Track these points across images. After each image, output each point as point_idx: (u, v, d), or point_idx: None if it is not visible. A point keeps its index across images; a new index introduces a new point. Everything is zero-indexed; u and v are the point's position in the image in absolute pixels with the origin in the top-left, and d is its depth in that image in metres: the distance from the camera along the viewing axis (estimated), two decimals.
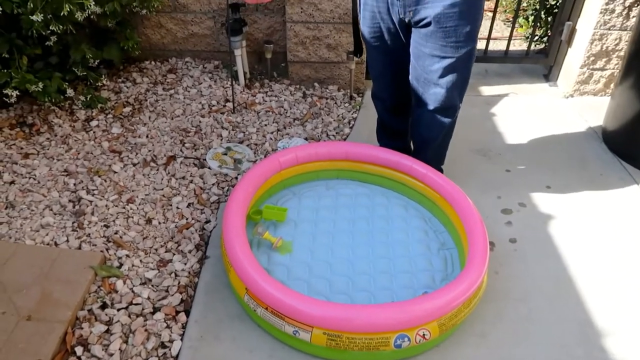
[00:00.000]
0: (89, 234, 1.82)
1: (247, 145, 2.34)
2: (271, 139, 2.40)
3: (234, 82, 2.59)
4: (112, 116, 2.44)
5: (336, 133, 2.48)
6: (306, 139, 2.42)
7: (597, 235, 1.97)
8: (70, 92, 2.33)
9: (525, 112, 2.72)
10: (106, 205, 1.95)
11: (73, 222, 1.86)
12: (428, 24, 1.65)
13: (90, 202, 1.95)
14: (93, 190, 2.01)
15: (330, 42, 2.68)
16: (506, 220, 2.02)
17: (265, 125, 2.49)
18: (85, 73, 2.41)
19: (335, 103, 2.70)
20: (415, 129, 2.02)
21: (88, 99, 2.44)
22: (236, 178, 2.15)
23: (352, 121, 2.57)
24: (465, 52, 1.70)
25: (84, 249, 1.76)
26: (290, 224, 1.87)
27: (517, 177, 2.26)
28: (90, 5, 2.09)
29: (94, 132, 2.33)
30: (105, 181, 2.06)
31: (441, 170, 2.10)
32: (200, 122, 2.45)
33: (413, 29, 1.72)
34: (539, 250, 1.89)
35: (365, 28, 1.83)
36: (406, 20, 1.70)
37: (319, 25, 2.64)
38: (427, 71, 1.76)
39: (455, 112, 1.91)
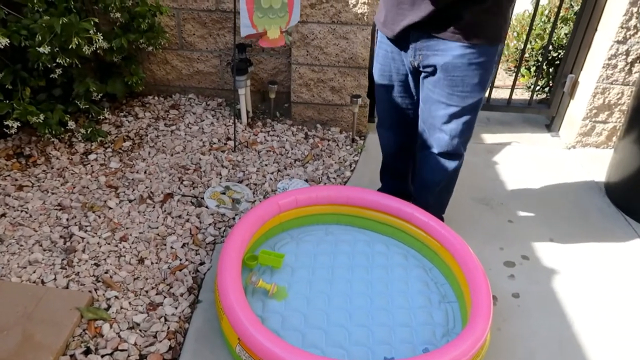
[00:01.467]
0: (78, 273, 1.76)
1: (247, 185, 2.30)
2: (271, 179, 2.37)
3: (236, 120, 2.58)
4: (112, 150, 2.42)
5: (337, 176, 2.45)
6: (307, 180, 2.38)
7: (600, 290, 1.92)
8: (71, 124, 2.32)
9: (527, 162, 2.70)
10: (98, 243, 1.89)
11: (62, 260, 1.80)
12: (436, 71, 1.65)
13: (82, 238, 1.90)
14: (86, 226, 1.96)
15: (335, 84, 2.69)
16: (509, 274, 1.96)
17: (266, 165, 2.46)
18: (87, 106, 2.40)
19: (337, 145, 2.69)
20: (418, 172, 2.00)
21: (88, 132, 2.42)
22: (234, 218, 2.10)
23: (353, 164, 2.55)
24: (472, 102, 1.69)
25: (72, 288, 1.70)
26: (286, 269, 1.81)
27: (520, 228, 2.21)
28: (99, 40, 2.10)
29: (91, 166, 2.29)
30: (99, 217, 2.01)
31: (442, 219, 2.06)
32: (200, 159, 2.42)
33: (423, 71, 1.73)
34: (542, 306, 1.83)
35: (377, 65, 1.86)
36: (415, 64, 1.70)
37: (324, 68, 2.65)
38: (433, 116, 1.77)
39: (458, 158, 1.89)
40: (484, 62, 1.63)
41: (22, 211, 2.00)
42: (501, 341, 1.66)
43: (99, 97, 2.46)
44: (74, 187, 2.15)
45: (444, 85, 1.67)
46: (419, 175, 2.02)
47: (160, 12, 2.50)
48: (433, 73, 1.67)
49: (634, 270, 2.03)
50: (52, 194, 2.11)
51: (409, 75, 1.80)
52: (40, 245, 1.85)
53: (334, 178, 2.44)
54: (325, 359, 1.33)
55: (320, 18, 2.52)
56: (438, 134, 1.79)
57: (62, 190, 2.13)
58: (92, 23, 2.08)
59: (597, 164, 2.69)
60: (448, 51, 1.59)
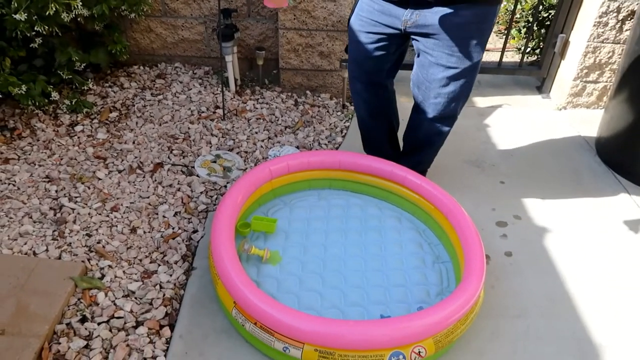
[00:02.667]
0: (70, 243, 1.74)
1: (237, 153, 2.28)
2: (262, 146, 2.34)
3: (224, 88, 2.54)
4: (98, 121, 2.37)
5: (328, 142, 2.43)
6: (297, 147, 2.36)
7: (592, 248, 1.94)
8: (55, 95, 2.26)
9: (518, 124, 2.70)
10: (89, 214, 1.87)
11: (53, 231, 1.78)
12: (433, 32, 1.61)
13: (73, 209, 1.88)
14: (76, 197, 1.93)
15: (323, 49, 2.64)
16: (501, 233, 1.98)
17: (256, 132, 2.43)
18: (71, 76, 2.35)
19: (328, 112, 2.66)
20: (411, 133, 2.00)
21: (73, 103, 2.37)
22: (225, 186, 2.09)
23: (344, 130, 2.53)
24: (472, 64, 1.67)
25: (64, 259, 1.68)
26: (280, 234, 1.81)
27: (512, 189, 2.22)
28: (78, 6, 2.03)
29: (78, 138, 2.25)
30: (89, 188, 1.98)
31: (425, 172, 2.10)
32: (189, 128, 2.39)
33: (418, 37, 1.68)
34: (534, 264, 1.85)
35: (357, 15, 1.75)
36: (410, 23, 1.63)
37: (312, 32, 2.60)
38: (430, 80, 1.73)
39: (454, 120, 1.90)
40: (484, 22, 1.61)
41: (9, 184, 1.96)
42: (494, 298, 1.68)
43: (82, 67, 2.39)
44: (62, 159, 2.12)
45: (443, 46, 1.63)
46: (411, 138, 2.02)
47: None
48: (429, 34, 1.63)
49: (622, 226, 2.06)
50: (40, 166, 2.07)
51: (393, 35, 1.71)
52: (30, 217, 1.82)
53: (325, 144, 2.42)
54: (321, 319, 1.34)
55: None
56: (435, 99, 1.77)
57: (50, 162, 2.09)
58: None
59: (588, 124, 2.69)
60: (448, 10, 1.55)
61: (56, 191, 1.95)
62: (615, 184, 2.30)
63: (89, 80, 2.48)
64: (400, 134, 2.11)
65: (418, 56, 1.76)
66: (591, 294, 1.75)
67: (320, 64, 2.69)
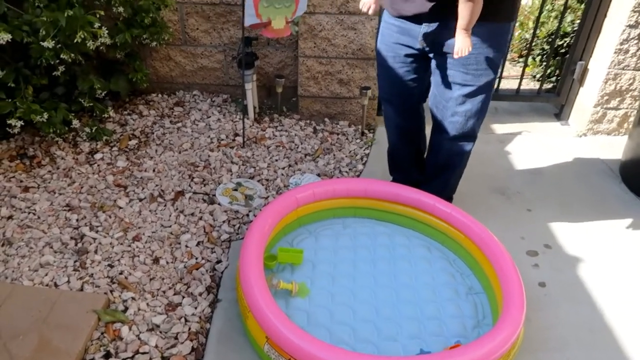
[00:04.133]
0: (92, 274, 1.69)
1: (258, 181, 2.25)
2: (283, 174, 2.31)
3: (244, 116, 2.52)
4: (118, 149, 2.35)
5: (349, 169, 2.40)
6: (319, 175, 2.33)
7: (626, 277, 1.88)
8: (75, 123, 2.24)
9: (539, 151, 2.67)
10: (110, 243, 1.83)
11: (75, 261, 1.74)
12: (448, 51, 1.61)
13: (94, 239, 1.83)
14: (97, 226, 1.89)
15: (343, 77, 2.64)
16: (533, 263, 1.92)
17: (276, 160, 2.40)
18: (91, 104, 2.33)
19: (347, 139, 2.64)
20: (433, 155, 1.98)
21: (93, 130, 2.35)
22: (248, 215, 2.05)
23: (364, 157, 2.50)
24: (487, 81, 1.68)
25: (87, 290, 1.63)
26: (307, 265, 1.76)
27: (539, 216, 2.18)
28: (104, 34, 2.03)
29: (98, 166, 2.23)
30: (110, 217, 1.95)
31: (451, 199, 2.06)
32: (209, 156, 2.36)
33: (434, 55, 1.69)
34: (570, 295, 1.79)
35: (381, 39, 1.81)
36: (427, 42, 1.66)
37: (332, 60, 2.60)
38: (446, 98, 1.75)
39: (473, 140, 1.89)
40: (497, 39, 1.62)
41: (29, 213, 1.93)
42: (532, 331, 1.62)
43: (103, 95, 2.39)
44: (82, 187, 2.09)
45: (457, 65, 1.64)
46: (433, 160, 2.00)
47: (165, 4, 2.43)
48: (445, 52, 1.64)
49: None
50: (60, 194, 2.04)
51: (415, 56, 1.74)
52: (51, 247, 1.78)
53: (346, 172, 2.39)
54: (360, 355, 1.28)
55: (328, 9, 2.46)
56: (452, 117, 1.78)
57: (70, 191, 2.06)
58: (98, 16, 2.02)
59: (610, 151, 2.66)
60: None
61: (77, 220, 1.91)
62: None
63: (109, 107, 2.47)
64: None
65: (434, 75, 1.76)
66: (630, 324, 1.68)
67: (339, 92, 2.68)
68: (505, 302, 1.47)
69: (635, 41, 2.50)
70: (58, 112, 2.18)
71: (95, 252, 1.79)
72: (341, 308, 1.60)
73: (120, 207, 2.00)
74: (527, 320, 1.66)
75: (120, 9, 2.28)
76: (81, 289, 1.64)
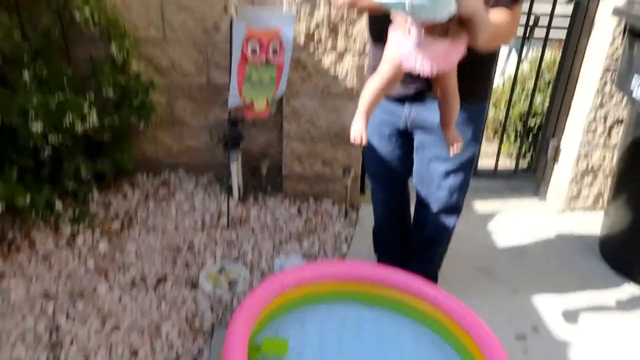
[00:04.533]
0: None
1: (243, 264, 2.22)
2: (267, 256, 2.29)
3: (229, 196, 2.54)
4: (100, 232, 2.32)
5: (334, 250, 2.40)
6: (303, 256, 2.32)
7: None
8: (59, 206, 2.23)
9: (520, 229, 2.71)
10: (87, 335, 1.76)
11: (48, 355, 1.66)
12: (429, 129, 1.70)
13: (70, 330, 1.76)
14: (74, 316, 1.83)
15: (326, 157, 2.70)
16: (522, 348, 1.90)
17: (261, 241, 2.39)
18: (76, 187, 2.33)
19: (331, 219, 2.65)
20: (418, 231, 2.01)
21: (76, 213, 2.33)
22: (232, 302, 2.00)
23: (348, 238, 2.51)
24: (468, 156, 1.76)
25: None
26: (292, 353, 1.70)
27: (525, 297, 2.17)
28: (93, 117, 2.07)
29: (79, 250, 2.19)
30: (89, 305, 1.89)
31: (437, 275, 2.09)
32: (193, 238, 2.34)
33: (418, 133, 1.77)
34: None
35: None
36: (410, 121, 1.74)
37: (315, 141, 2.67)
38: (430, 174, 1.81)
39: (458, 213, 1.93)
40: (475, 117, 1.72)
41: (3, 301, 1.86)
42: None
43: (88, 176, 2.39)
44: (61, 273, 2.03)
45: (441, 142, 1.70)
46: (419, 235, 2.03)
47: (154, 87, 2.50)
48: (427, 131, 1.72)
49: None
50: (37, 281, 1.98)
51: (400, 134, 1.82)
52: (24, 340, 1.70)
53: (331, 253, 2.38)
54: None
55: (311, 92, 2.57)
56: (437, 192, 1.84)
57: (48, 277, 2.01)
58: (87, 99, 2.06)
59: (588, 227, 2.72)
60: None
61: (53, 308, 1.85)
62: (626, 288, 2.28)
63: (93, 189, 2.47)
64: None
65: (417, 152, 1.83)
66: None
67: (323, 172, 2.73)
68: None
69: (602, 121, 2.64)
70: (42, 195, 2.17)
71: (71, 343, 1.71)
72: None
73: (100, 294, 1.95)
74: None
75: (110, 91, 2.34)
76: None
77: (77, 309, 1.86)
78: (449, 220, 1.92)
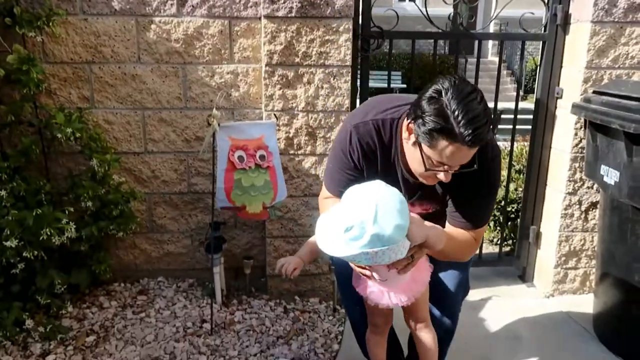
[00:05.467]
0: None
1: None
2: None
3: (212, 300, 2.44)
4: (73, 348, 2.16)
5: (324, 350, 2.28)
6: (293, 359, 2.19)
7: None
8: (29, 323, 2.09)
9: (512, 315, 2.65)
10: None
11: None
12: None
13: None
14: None
15: None
16: None
17: (247, 346, 2.26)
18: (48, 301, 2.21)
19: (319, 317, 2.55)
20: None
21: (47, 329, 2.18)
22: None
23: (339, 335, 2.40)
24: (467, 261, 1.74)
25: None
26: None
27: None
28: (71, 230, 2.02)
29: None
30: None
31: None
32: (174, 348, 2.20)
33: None
34: None
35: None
36: None
37: (299, 239, 2.65)
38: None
39: (457, 317, 1.89)
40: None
41: None
42: None
43: (62, 289, 2.28)
44: None
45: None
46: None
47: (134, 197, 2.50)
48: None
49: None
50: None
51: None
52: None
53: (321, 353, 2.26)
54: None
55: (293, 192, 2.60)
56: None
57: None
58: (67, 212, 2.03)
59: (580, 310, 2.68)
60: None
61: None
62: None
63: (67, 302, 2.34)
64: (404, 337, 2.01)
65: None
66: None
67: (308, 269, 2.68)
68: None
69: (577, 206, 2.72)
70: (10, 313, 2.05)
71: None
72: None
73: None
74: None
75: (89, 204, 2.32)
76: None
77: None
78: (448, 326, 1.88)
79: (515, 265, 3.11)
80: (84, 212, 2.41)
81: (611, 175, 2.20)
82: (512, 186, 3.49)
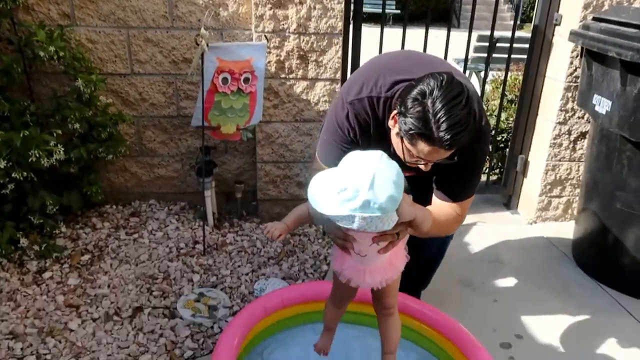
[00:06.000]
0: None
1: (222, 290, 2.16)
2: (247, 280, 2.24)
3: (203, 223, 2.48)
4: (69, 266, 2.22)
5: (314, 271, 2.37)
6: (284, 278, 2.28)
7: None
8: (23, 241, 2.13)
9: (496, 240, 2.75)
10: None
11: None
12: None
13: None
14: (45, 354, 1.72)
15: (301, 179, 2.69)
16: (508, 356, 1.89)
17: (239, 266, 2.34)
18: (41, 221, 2.23)
19: (309, 239, 2.62)
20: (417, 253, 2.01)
21: (42, 248, 2.22)
22: (212, 328, 1.93)
23: (327, 257, 2.48)
24: None
25: None
26: None
27: (506, 307, 2.19)
28: (59, 152, 2.00)
29: (47, 285, 2.08)
30: (60, 342, 1.78)
31: (420, 295, 2.08)
32: (168, 267, 2.27)
33: None
34: None
35: None
36: None
37: (290, 164, 2.67)
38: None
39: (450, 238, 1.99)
40: None
41: None
42: None
43: (54, 210, 2.30)
44: (28, 311, 1.92)
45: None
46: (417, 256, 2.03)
47: (123, 120, 2.46)
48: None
49: (621, 339, 2.03)
50: (2, 321, 1.86)
51: None
52: None
53: (311, 273, 2.35)
54: None
55: (284, 117, 2.58)
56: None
57: (14, 316, 1.89)
58: (54, 135, 2.00)
59: (561, 237, 2.78)
60: None
61: (22, 349, 1.74)
62: (602, 293, 2.32)
63: (60, 223, 2.37)
64: None
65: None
66: None
67: (298, 194, 2.72)
68: None
69: (566, 136, 2.74)
70: (4, 232, 2.07)
71: None
72: None
73: (72, 330, 1.85)
74: None
75: (77, 126, 2.28)
76: None
77: (47, 347, 1.75)
78: (445, 244, 1.97)
79: (501, 193, 3.18)
80: (71, 135, 2.38)
81: (603, 105, 2.20)
82: (503, 115, 3.48)
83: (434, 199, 1.63)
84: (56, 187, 2.45)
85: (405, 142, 1.36)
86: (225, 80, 2.22)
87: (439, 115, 1.24)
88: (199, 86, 2.33)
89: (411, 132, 1.30)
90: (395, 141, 1.43)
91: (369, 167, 1.16)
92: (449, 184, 1.59)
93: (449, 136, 1.25)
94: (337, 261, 1.40)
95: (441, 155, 1.35)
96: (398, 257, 1.39)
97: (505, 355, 1.90)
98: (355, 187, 1.13)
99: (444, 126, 1.24)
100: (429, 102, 1.26)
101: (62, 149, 2.04)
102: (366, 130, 1.56)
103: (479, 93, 2.98)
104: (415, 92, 1.29)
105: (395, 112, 1.38)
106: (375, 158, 1.18)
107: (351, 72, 2.71)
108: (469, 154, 1.47)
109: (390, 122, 1.43)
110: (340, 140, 1.58)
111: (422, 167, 1.41)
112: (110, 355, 1.75)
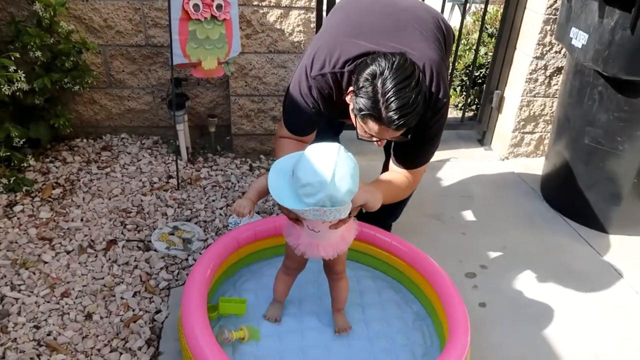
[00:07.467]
0: (15, 339, 1.54)
1: (196, 223, 2.18)
2: (221, 214, 2.26)
3: (177, 157, 2.46)
4: (40, 199, 2.19)
5: None
6: (258, 212, 2.30)
7: (559, 293, 1.99)
8: None
9: (467, 175, 2.80)
10: (36, 302, 1.68)
11: None
12: None
13: (16, 299, 1.68)
14: (19, 285, 1.74)
15: (276, 114, 2.66)
16: (472, 284, 1.99)
17: (213, 200, 2.35)
18: (8, 154, 2.18)
19: None
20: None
21: (11, 181, 2.19)
22: (187, 260, 1.97)
23: None
24: None
25: (9, 357, 1.48)
26: (251, 308, 1.70)
27: (473, 239, 2.27)
28: (20, 79, 1.92)
29: (18, 219, 2.06)
30: (34, 274, 1.79)
31: (391, 227, 2.14)
32: (142, 201, 2.26)
33: None
34: (510, 314, 1.86)
35: None
36: None
37: (264, 98, 2.62)
38: None
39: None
40: None
41: None
42: (477, 352, 1.65)
43: (21, 143, 2.24)
44: (0, 244, 1.92)
45: None
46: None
47: (87, 48, 2.35)
48: None
49: (581, 270, 2.14)
50: None
51: None
52: None
53: None
54: None
55: (257, 48, 2.49)
56: None
57: None
58: (13, 59, 1.90)
59: (531, 172, 2.85)
60: None
61: None
62: (567, 227, 2.42)
63: (29, 156, 2.32)
64: None
65: None
66: (569, 339, 1.77)
67: (273, 128, 2.69)
68: (451, 327, 1.50)
69: (542, 71, 2.73)
70: None
71: (19, 313, 1.63)
72: (290, 349, 1.56)
73: (46, 262, 1.86)
74: (472, 342, 1.69)
75: (38, 54, 2.17)
76: (3, 357, 1.48)
77: (22, 278, 1.76)
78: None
79: (476, 129, 3.20)
80: (34, 64, 2.27)
81: (579, 38, 2.18)
82: (482, 50, 3.44)
83: (390, 164, 1.71)
84: (23, 119, 2.37)
85: (358, 119, 1.41)
86: (196, 6, 2.11)
87: (387, 96, 1.29)
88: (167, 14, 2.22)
89: (362, 112, 1.35)
90: (352, 116, 1.48)
91: (329, 163, 1.21)
92: (404, 155, 1.66)
93: (396, 117, 1.30)
94: (292, 237, 1.46)
95: (391, 135, 1.41)
96: (350, 232, 1.47)
97: (470, 283, 2.00)
98: (316, 182, 1.20)
99: (392, 107, 1.29)
100: (378, 83, 1.30)
101: (24, 75, 1.95)
102: (330, 102, 1.60)
103: (460, 26, 2.92)
104: (367, 72, 1.34)
105: (351, 88, 1.43)
106: (333, 153, 1.23)
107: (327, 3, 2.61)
108: (424, 130, 1.54)
109: (347, 98, 1.48)
110: (305, 109, 1.63)
111: (376, 143, 1.47)
112: (86, 286, 1.77)
